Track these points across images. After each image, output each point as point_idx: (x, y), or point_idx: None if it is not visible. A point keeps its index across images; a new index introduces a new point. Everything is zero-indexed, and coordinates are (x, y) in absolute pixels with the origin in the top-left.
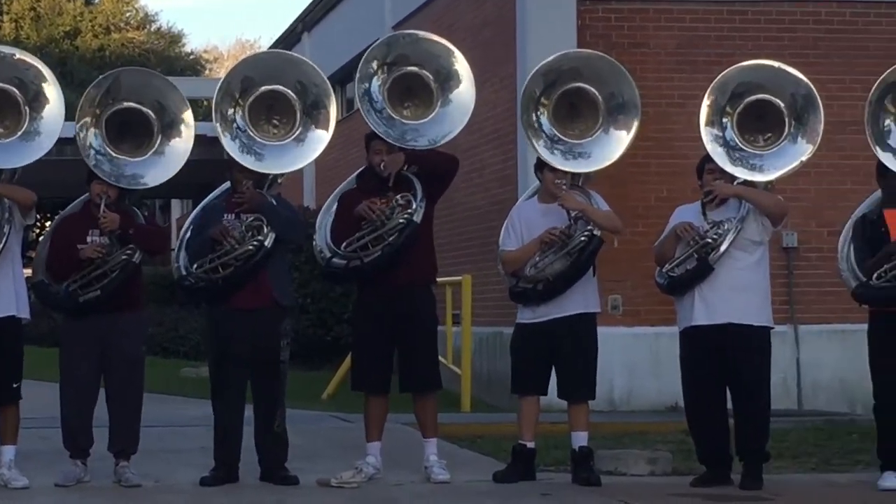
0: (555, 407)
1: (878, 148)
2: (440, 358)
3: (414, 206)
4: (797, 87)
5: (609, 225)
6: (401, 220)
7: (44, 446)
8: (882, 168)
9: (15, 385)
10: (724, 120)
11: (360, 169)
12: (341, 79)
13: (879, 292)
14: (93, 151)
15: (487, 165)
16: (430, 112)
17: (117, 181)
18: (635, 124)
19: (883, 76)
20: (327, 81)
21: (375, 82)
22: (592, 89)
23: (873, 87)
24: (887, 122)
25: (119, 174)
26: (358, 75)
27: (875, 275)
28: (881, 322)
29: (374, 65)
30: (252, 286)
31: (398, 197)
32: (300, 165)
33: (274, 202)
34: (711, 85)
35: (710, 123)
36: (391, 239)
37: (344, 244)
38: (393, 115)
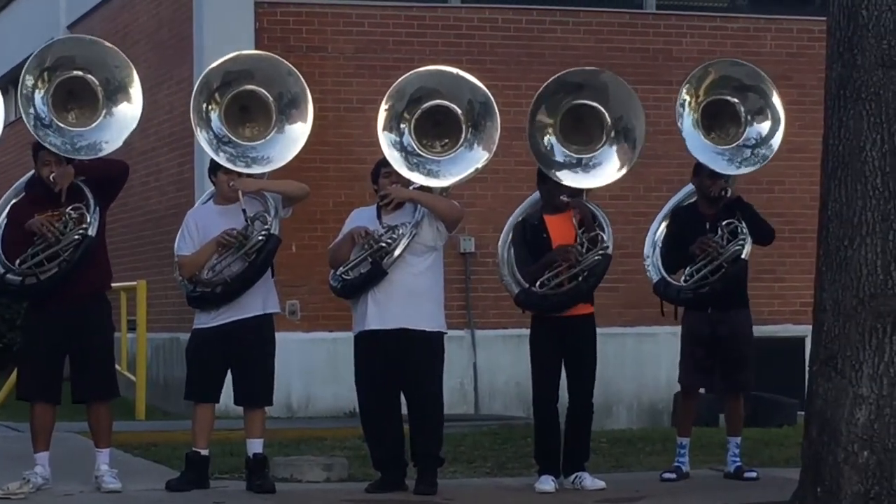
0: (231, 413)
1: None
2: (117, 366)
3: (88, 220)
4: (475, 94)
5: (298, 192)
6: (76, 236)
7: None
8: (542, 174)
9: None
10: (402, 126)
11: (28, 176)
12: (14, 79)
13: (543, 300)
14: None
15: (164, 169)
16: (94, 119)
17: None
18: (309, 114)
19: (538, 92)
20: None
21: (38, 95)
22: (263, 90)
23: (535, 96)
24: (546, 138)
25: None
26: (20, 92)
27: (538, 282)
28: (541, 328)
29: (34, 76)
30: None
31: (70, 210)
32: None
33: None
34: (389, 90)
35: (387, 128)
36: (67, 255)
37: (18, 261)
38: (60, 125)
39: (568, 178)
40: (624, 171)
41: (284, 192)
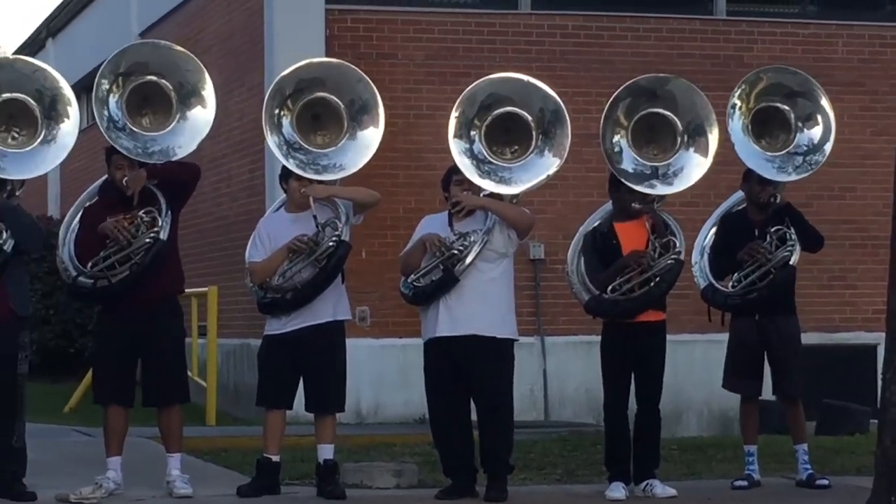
0: (302, 419)
1: (610, 162)
2: (188, 372)
3: (160, 223)
4: (546, 102)
5: (368, 199)
6: (147, 240)
7: None
8: (614, 181)
9: None
10: (473, 133)
11: (101, 180)
12: (87, 85)
13: (613, 306)
14: None
15: (235, 175)
16: (168, 124)
17: None
18: (381, 121)
19: (615, 93)
20: (69, 92)
21: (112, 99)
22: (334, 98)
23: (607, 104)
24: (616, 138)
25: None
26: (94, 94)
27: (609, 288)
28: (612, 333)
29: (109, 80)
30: None
31: (142, 213)
32: (42, 172)
33: (12, 209)
34: (460, 97)
35: (458, 136)
36: (138, 258)
37: (90, 263)
38: (133, 129)
39: (645, 189)
40: (709, 162)
41: (355, 199)
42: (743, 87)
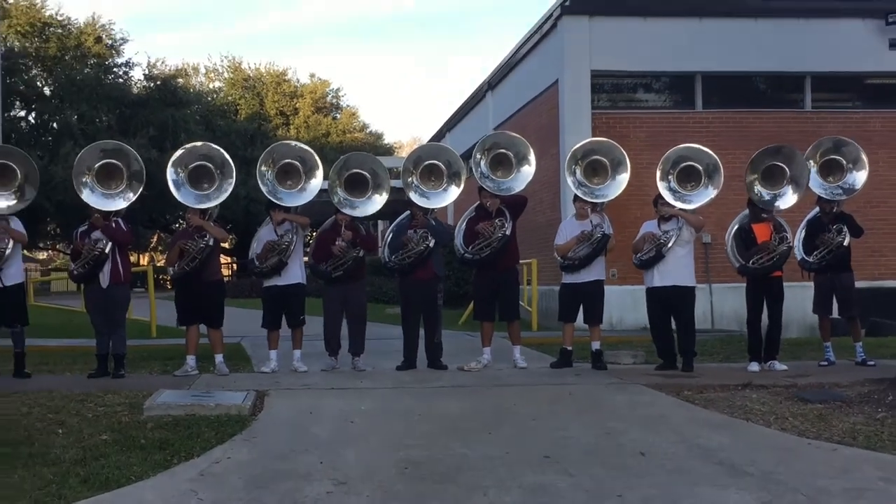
0: (582, 327)
1: (750, 193)
2: (521, 302)
3: (506, 227)
4: (710, 159)
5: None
6: (499, 235)
7: (314, 349)
8: (751, 202)
9: (301, 317)
10: (669, 177)
11: (476, 204)
12: (466, 156)
13: (754, 271)
14: (337, 197)
15: (543, 201)
16: (510, 175)
17: (350, 212)
18: (629, 170)
19: (752, 156)
20: (461, 160)
21: (482, 162)
22: (604, 158)
23: (749, 161)
24: (758, 187)
25: (351, 208)
26: (473, 156)
27: (751, 261)
28: (753, 283)
29: (481, 151)
30: (423, 266)
31: (497, 221)
32: (446, 204)
33: (433, 222)
34: (661, 159)
35: (662, 179)
36: (494, 244)
37: (470, 246)
38: (492, 177)
39: (769, 206)
40: (797, 199)
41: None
42: (809, 150)
